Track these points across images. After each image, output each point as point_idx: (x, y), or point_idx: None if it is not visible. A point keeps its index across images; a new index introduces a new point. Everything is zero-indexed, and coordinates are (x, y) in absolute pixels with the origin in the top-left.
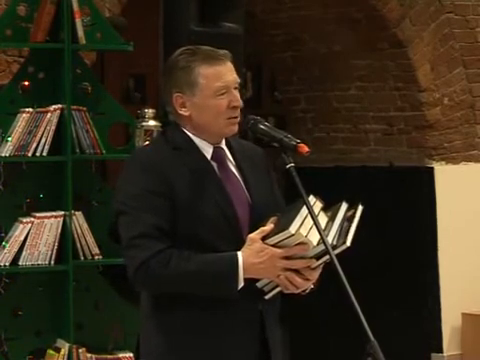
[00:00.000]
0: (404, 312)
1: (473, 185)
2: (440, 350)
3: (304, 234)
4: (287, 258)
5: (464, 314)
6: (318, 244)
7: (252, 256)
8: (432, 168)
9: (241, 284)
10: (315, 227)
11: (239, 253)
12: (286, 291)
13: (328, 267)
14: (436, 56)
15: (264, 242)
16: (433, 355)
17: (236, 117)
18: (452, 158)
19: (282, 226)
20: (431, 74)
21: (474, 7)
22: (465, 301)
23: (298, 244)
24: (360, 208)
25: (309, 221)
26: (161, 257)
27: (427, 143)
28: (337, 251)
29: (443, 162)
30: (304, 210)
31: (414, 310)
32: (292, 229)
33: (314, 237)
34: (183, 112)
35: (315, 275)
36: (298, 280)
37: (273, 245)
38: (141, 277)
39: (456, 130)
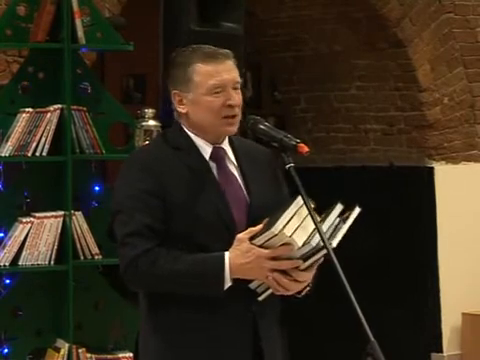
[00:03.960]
0: (404, 312)
1: (473, 185)
2: (440, 350)
3: (288, 234)
4: (274, 259)
5: (464, 314)
6: (303, 245)
7: (239, 256)
8: (432, 168)
9: (228, 284)
10: (312, 222)
11: (226, 253)
12: (277, 293)
13: (329, 268)
14: (436, 56)
15: (251, 242)
16: (433, 355)
17: (233, 116)
18: (452, 158)
19: (269, 226)
20: (431, 74)
21: (474, 7)
22: (465, 301)
23: (283, 245)
24: (357, 210)
25: (296, 222)
26: (149, 256)
27: (427, 143)
28: (323, 253)
29: (443, 162)
30: (292, 208)
31: (414, 310)
32: (275, 229)
33: (299, 238)
34: (181, 109)
35: (305, 276)
36: (285, 281)
37: (260, 245)
38: (130, 275)
39: (456, 130)
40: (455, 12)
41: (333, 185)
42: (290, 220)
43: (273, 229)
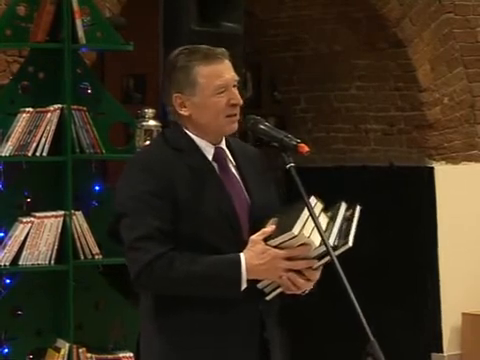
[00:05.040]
0: (404, 312)
1: (473, 185)
2: (440, 350)
3: (307, 235)
4: (289, 259)
5: (464, 314)
6: (320, 245)
7: (254, 258)
8: (432, 168)
9: (244, 286)
10: (316, 228)
11: (241, 255)
12: (288, 292)
13: (328, 268)
14: (436, 56)
15: (266, 243)
16: (433, 355)
17: (235, 115)
18: (452, 158)
19: (284, 227)
20: (431, 74)
21: (474, 7)
22: (465, 301)
23: (301, 245)
24: (358, 208)
25: (311, 222)
26: (164, 260)
27: (427, 143)
28: (339, 251)
29: (443, 162)
30: (305, 212)
31: (414, 310)
32: (295, 230)
33: (316, 238)
34: (183, 112)
35: (316, 275)
36: (300, 281)
37: (275, 246)
38: (144, 280)
39: (456, 130)
40: (455, 12)
41: (333, 185)
42: (307, 220)
43: (293, 230)
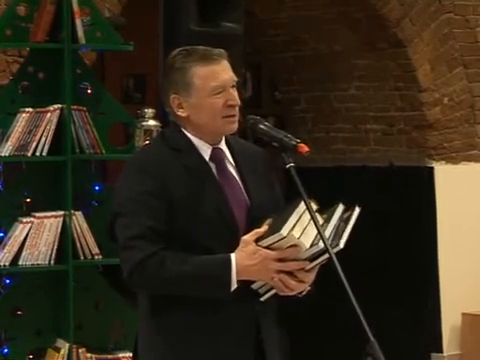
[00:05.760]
0: (404, 312)
1: (473, 185)
2: (440, 350)
3: (296, 236)
4: (281, 260)
5: (464, 314)
6: (311, 246)
7: (245, 258)
8: (432, 168)
9: (234, 286)
10: (315, 226)
11: (232, 255)
12: (281, 293)
13: (327, 268)
14: (436, 56)
15: (257, 244)
16: (433, 355)
17: (234, 115)
18: (452, 158)
19: (275, 228)
20: (431, 74)
21: (474, 7)
22: (465, 301)
23: (290, 246)
24: (357, 210)
25: (303, 223)
26: (155, 259)
27: (427, 143)
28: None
29: (443, 162)
30: (298, 211)
31: (414, 310)
32: (284, 231)
33: (307, 239)
34: (181, 113)
35: (310, 277)
36: (292, 282)
37: (266, 247)
38: (136, 278)
39: (456, 130)
40: (455, 12)
41: (333, 185)
42: (297, 222)
43: (282, 231)
